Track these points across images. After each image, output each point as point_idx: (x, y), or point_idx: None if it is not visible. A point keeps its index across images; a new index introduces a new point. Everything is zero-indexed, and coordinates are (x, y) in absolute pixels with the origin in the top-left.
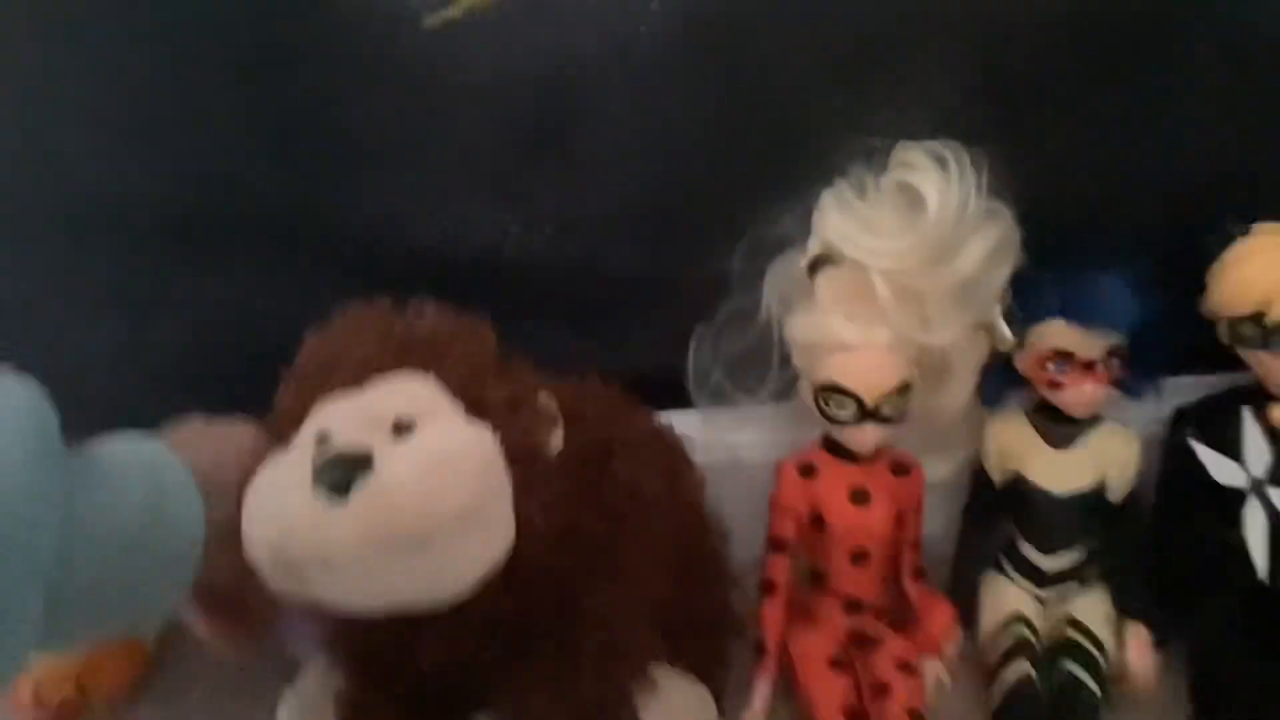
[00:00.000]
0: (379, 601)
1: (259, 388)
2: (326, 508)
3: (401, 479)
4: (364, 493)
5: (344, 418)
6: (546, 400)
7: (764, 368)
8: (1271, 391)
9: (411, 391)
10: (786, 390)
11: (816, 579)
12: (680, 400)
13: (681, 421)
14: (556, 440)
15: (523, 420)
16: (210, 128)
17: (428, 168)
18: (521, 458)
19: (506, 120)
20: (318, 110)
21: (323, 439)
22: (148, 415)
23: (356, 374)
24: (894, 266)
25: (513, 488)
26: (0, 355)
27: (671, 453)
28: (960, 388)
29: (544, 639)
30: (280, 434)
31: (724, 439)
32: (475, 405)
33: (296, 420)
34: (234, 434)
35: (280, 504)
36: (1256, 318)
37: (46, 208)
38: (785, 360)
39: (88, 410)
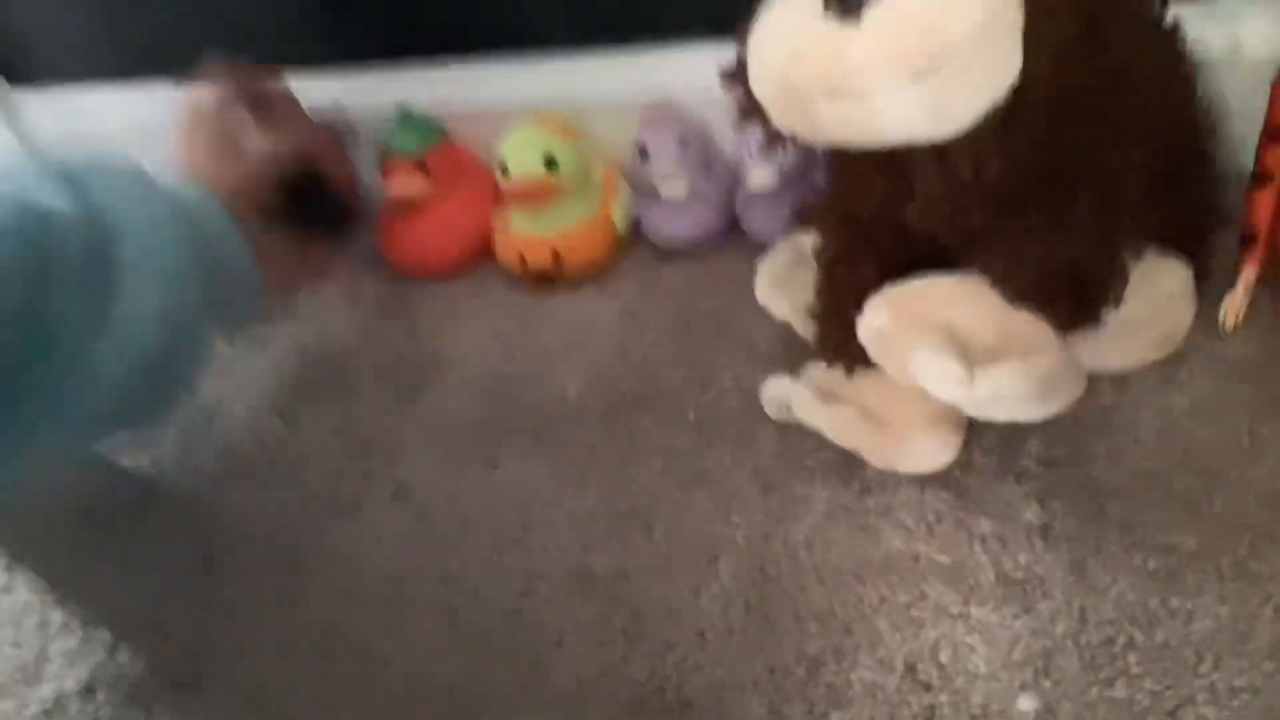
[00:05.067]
0: (882, 132)
1: None
2: (838, 31)
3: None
4: (875, 14)
5: None
6: None
7: None
8: None
9: None
10: None
11: None
12: None
13: (1176, 9)
14: None
15: None
16: None
17: None
18: None
19: None
20: None
21: None
22: None
23: None
24: None
25: (1023, 19)
26: None
27: (1166, 35)
28: None
29: (1036, 198)
30: None
31: (1223, 28)
32: None
33: None
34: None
35: (789, 32)
36: None
37: None
38: None
39: None
